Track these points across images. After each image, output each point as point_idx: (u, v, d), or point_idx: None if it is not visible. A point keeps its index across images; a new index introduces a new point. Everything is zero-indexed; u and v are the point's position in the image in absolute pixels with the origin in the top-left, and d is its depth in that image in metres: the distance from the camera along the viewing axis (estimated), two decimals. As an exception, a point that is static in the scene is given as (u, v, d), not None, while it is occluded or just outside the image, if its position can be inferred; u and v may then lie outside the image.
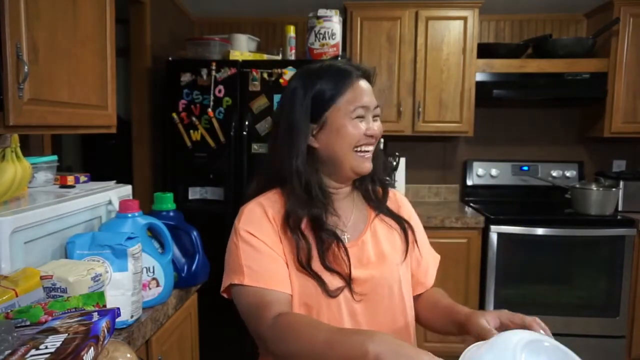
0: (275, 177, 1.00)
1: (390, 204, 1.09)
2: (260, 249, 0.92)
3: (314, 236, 0.95)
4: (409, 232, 1.06)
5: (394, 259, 1.02)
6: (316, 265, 0.93)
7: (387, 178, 1.12)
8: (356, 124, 0.96)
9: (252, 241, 0.93)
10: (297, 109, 0.96)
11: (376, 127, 0.99)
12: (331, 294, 0.92)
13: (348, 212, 1.03)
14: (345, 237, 1.00)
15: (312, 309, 0.94)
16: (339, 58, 2.50)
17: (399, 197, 1.14)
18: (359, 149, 0.97)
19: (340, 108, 0.95)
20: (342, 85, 0.96)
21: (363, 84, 0.98)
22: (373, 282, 0.97)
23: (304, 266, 0.92)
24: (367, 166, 0.99)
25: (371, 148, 0.99)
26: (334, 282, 0.94)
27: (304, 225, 0.95)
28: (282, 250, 0.94)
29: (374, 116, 1.00)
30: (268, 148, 1.04)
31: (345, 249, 0.96)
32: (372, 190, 1.07)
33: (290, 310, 0.90)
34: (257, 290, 0.89)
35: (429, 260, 1.13)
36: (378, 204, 1.06)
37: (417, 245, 1.09)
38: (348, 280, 0.94)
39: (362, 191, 1.07)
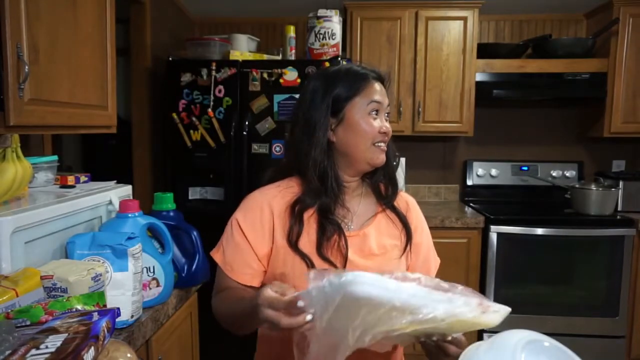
0: (293, 166, 1.08)
1: (398, 204, 1.12)
2: (237, 240, 1.04)
3: (318, 225, 1.02)
4: (411, 230, 1.10)
5: (394, 253, 1.06)
6: (307, 247, 1.00)
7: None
8: (370, 121, 1.04)
9: (235, 230, 1.05)
10: (318, 105, 1.04)
11: (388, 125, 1.07)
12: None
13: (355, 204, 1.09)
14: (350, 227, 1.06)
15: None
16: (339, 58, 2.50)
17: (409, 200, 1.17)
18: (376, 144, 1.05)
19: (356, 104, 1.04)
20: (359, 85, 1.05)
21: (377, 85, 1.07)
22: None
23: (292, 245, 1.00)
24: (382, 158, 1.06)
25: (384, 145, 1.07)
26: (323, 265, 0.99)
27: (309, 214, 1.03)
28: (264, 237, 1.03)
29: (387, 114, 1.08)
30: (286, 142, 1.13)
31: (345, 239, 1.02)
32: (383, 186, 1.12)
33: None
34: (222, 272, 1.06)
35: (431, 263, 1.16)
36: (386, 200, 1.11)
37: (422, 247, 1.12)
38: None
39: (372, 186, 1.12)
